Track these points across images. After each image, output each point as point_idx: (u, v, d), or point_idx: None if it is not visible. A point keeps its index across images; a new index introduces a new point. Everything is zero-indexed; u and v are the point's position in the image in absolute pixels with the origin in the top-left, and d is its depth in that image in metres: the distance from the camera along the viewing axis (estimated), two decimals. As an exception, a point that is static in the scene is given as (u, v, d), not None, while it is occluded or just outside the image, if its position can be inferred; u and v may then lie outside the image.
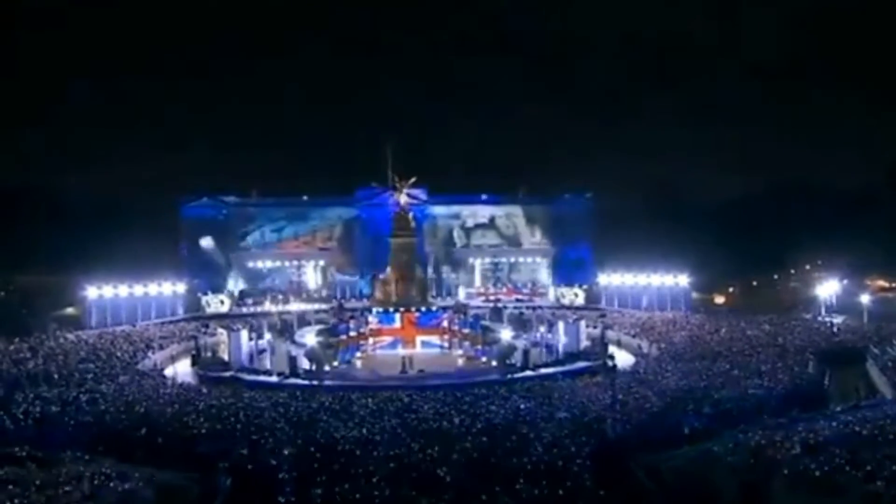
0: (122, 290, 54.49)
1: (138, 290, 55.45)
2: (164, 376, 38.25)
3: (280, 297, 62.95)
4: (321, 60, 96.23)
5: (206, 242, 65.53)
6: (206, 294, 61.05)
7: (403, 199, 49.43)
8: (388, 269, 49.62)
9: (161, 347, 45.15)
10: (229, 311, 59.86)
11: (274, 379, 37.10)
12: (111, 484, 20.07)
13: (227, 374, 37.27)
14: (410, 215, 50.20)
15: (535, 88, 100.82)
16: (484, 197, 73.64)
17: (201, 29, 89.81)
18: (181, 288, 58.87)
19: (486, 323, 44.56)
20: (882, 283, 70.82)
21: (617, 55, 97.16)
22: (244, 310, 60.62)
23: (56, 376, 35.96)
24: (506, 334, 40.99)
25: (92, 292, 52.93)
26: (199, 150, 77.57)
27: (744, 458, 18.31)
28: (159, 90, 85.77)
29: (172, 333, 49.56)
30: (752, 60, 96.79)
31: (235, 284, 65.94)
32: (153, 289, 56.59)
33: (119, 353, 41.98)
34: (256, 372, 38.36)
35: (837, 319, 51.32)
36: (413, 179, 49.74)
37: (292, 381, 36.76)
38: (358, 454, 23.13)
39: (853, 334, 45.07)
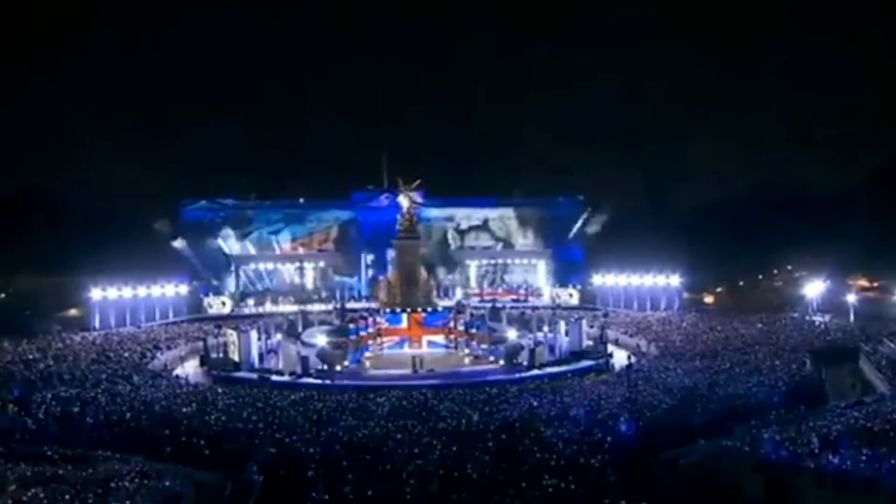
0: (126, 292, 54.71)
1: (141, 291, 55.68)
2: (177, 376, 38.85)
3: (280, 298, 63.58)
4: (316, 63, 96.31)
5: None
6: (207, 295, 61.39)
7: (407, 201, 50.12)
8: (393, 271, 50.48)
9: (168, 348, 45.61)
10: (231, 313, 60.34)
11: (287, 378, 37.71)
12: (151, 482, 20.77)
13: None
14: (415, 218, 50.94)
15: (528, 91, 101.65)
16: (478, 199, 74.93)
17: (198, 31, 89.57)
18: (184, 289, 59.11)
19: (491, 323, 45.53)
20: (863, 282, 72.39)
21: (606, 59, 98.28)
22: (245, 310, 61.30)
23: (69, 377, 36.32)
24: (511, 334, 41.99)
25: (96, 294, 53.09)
26: (198, 152, 77.49)
27: (764, 454, 19.07)
28: (158, 92, 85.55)
29: (177, 334, 50.04)
30: (737, 67, 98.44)
31: (236, 286, 66.32)
32: (156, 290, 56.87)
33: (128, 354, 42.43)
34: (269, 372, 38.99)
35: (825, 318, 52.93)
36: (417, 182, 50.51)
37: (305, 380, 37.47)
38: (384, 452, 23.95)
39: (842, 333, 46.65)
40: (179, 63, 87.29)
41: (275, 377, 37.71)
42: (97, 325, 52.20)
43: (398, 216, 50.93)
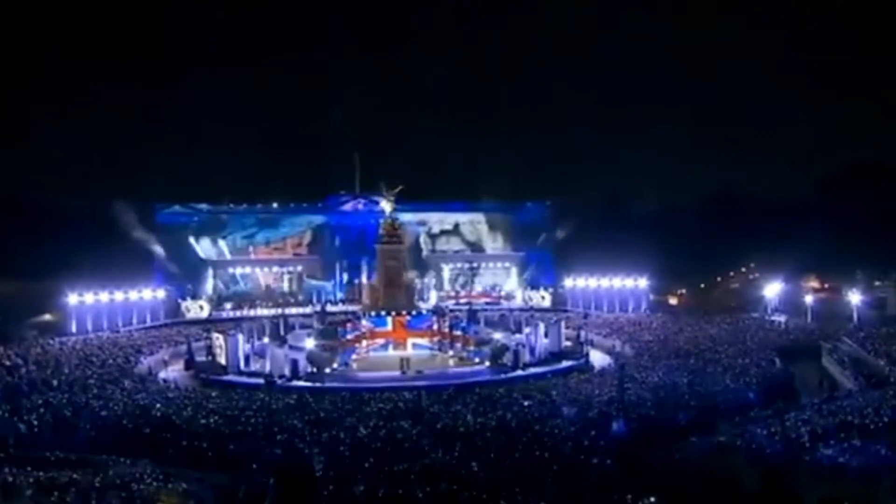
0: (104, 297, 54.18)
1: (119, 296, 55.19)
2: (164, 380, 38.97)
3: (258, 302, 63.71)
4: (288, 67, 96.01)
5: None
6: (184, 300, 61.16)
7: (390, 206, 50.96)
8: (376, 274, 51.13)
9: (151, 352, 45.52)
10: (209, 316, 60.24)
11: (297, 382, 38.33)
12: (171, 486, 21.24)
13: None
14: (397, 223, 51.72)
15: (494, 100, 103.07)
16: (449, 204, 76.17)
17: (173, 36, 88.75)
18: (161, 294, 58.82)
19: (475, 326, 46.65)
20: (814, 283, 75.63)
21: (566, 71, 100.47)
22: (223, 314, 61.36)
23: (55, 382, 36.16)
24: (497, 335, 43.18)
25: (72, 299, 52.50)
26: (172, 157, 76.91)
27: (757, 449, 20.18)
28: (133, 97, 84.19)
29: (157, 339, 49.97)
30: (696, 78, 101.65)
31: (214, 290, 66.10)
32: (133, 295, 56.41)
33: (111, 359, 42.27)
34: (258, 375, 39.40)
35: (782, 318, 55.53)
36: (400, 188, 51.34)
37: (297, 383, 38.02)
38: (388, 452, 24.72)
39: (802, 332, 49.26)
40: (157, 68, 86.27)
41: (281, 381, 38.05)
42: (73, 330, 51.60)
43: (381, 221, 51.74)
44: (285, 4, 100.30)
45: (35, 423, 29.13)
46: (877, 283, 62.39)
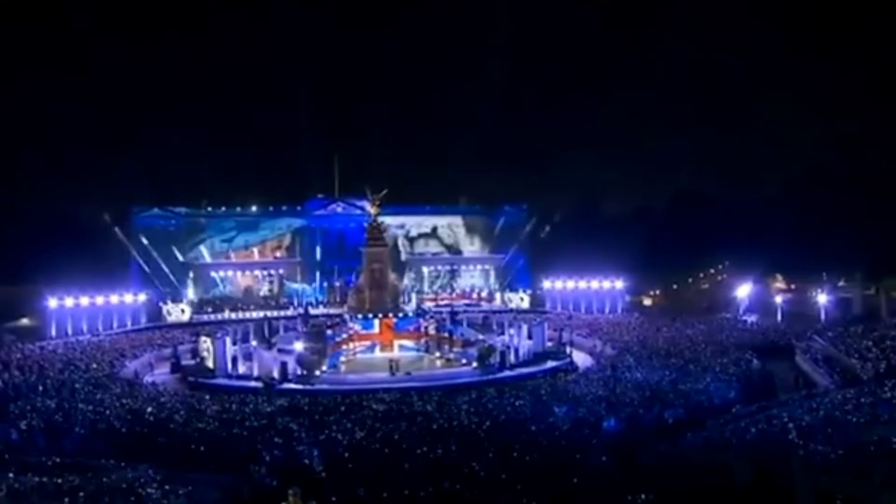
0: (84, 301, 53.63)
1: (99, 300, 54.63)
2: (153, 384, 38.79)
3: (239, 305, 63.58)
4: (266, 70, 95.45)
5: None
6: (165, 303, 60.77)
7: (374, 210, 51.37)
8: (362, 277, 51.50)
9: (135, 356, 45.22)
10: (190, 320, 60.05)
11: (295, 385, 38.34)
12: (182, 489, 21.38)
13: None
14: (383, 226, 52.19)
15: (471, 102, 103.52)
16: (427, 207, 76.96)
17: (149, 37, 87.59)
18: (142, 297, 58.35)
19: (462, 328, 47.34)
20: (780, 284, 77.80)
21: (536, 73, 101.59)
22: (205, 318, 61.07)
23: (41, 387, 35.80)
24: (488, 337, 43.87)
25: (52, 303, 51.88)
26: (149, 160, 75.97)
27: (750, 444, 20.93)
28: (111, 98, 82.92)
29: (140, 342, 49.55)
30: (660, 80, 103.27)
31: (195, 293, 65.78)
32: (114, 298, 55.90)
33: (96, 364, 41.87)
34: (249, 377, 39.48)
35: (753, 318, 57.22)
36: (384, 192, 51.76)
37: (286, 386, 38.17)
38: (386, 452, 25.14)
39: (775, 331, 50.91)
40: (134, 71, 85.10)
41: (279, 386, 38.08)
42: (53, 334, 51.00)
43: (366, 224, 52.11)
44: (263, 7, 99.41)
45: (25, 428, 28.90)
46: (841, 284, 64.35)
